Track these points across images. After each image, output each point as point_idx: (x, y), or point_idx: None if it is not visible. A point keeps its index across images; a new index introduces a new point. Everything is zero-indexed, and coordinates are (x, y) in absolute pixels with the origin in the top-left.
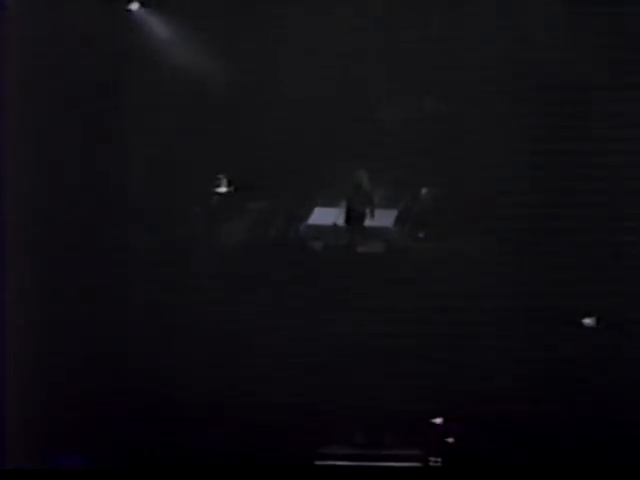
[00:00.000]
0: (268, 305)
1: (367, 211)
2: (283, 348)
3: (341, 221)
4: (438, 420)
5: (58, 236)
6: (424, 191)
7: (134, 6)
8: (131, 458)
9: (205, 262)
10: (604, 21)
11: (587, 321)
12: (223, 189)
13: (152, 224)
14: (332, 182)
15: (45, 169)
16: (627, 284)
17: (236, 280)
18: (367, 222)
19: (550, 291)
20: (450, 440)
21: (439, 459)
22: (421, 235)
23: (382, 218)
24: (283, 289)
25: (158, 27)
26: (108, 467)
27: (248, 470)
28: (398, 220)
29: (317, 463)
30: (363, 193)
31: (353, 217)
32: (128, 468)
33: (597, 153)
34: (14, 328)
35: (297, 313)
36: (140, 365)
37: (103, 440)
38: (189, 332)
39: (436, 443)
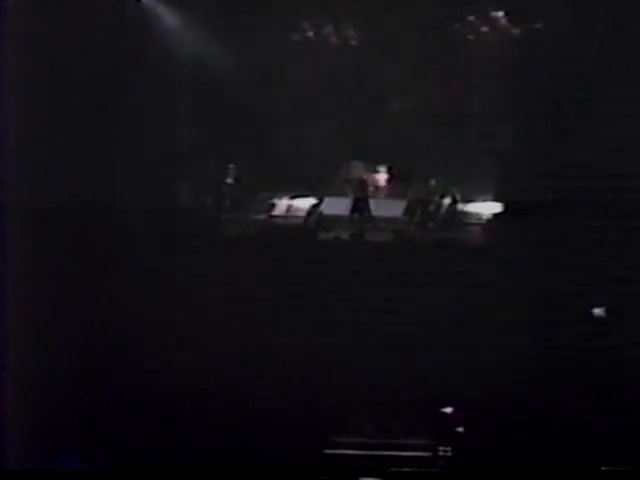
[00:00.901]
0: (277, 294)
1: (369, 202)
2: (292, 338)
3: (346, 211)
4: (448, 410)
5: (62, 235)
6: (433, 182)
7: None
8: (132, 458)
9: (214, 253)
10: None
11: (597, 311)
12: (230, 180)
13: (158, 219)
14: (338, 174)
15: (51, 166)
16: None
17: (248, 271)
18: (372, 212)
19: (560, 280)
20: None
21: (449, 448)
22: (430, 225)
23: (391, 208)
24: (292, 278)
25: (167, 17)
26: (108, 467)
27: (256, 465)
28: (407, 210)
29: (327, 452)
30: (362, 184)
31: (358, 207)
32: (128, 468)
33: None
34: (14, 328)
35: (305, 303)
36: (141, 365)
37: (103, 440)
38: (199, 325)
39: (446, 433)
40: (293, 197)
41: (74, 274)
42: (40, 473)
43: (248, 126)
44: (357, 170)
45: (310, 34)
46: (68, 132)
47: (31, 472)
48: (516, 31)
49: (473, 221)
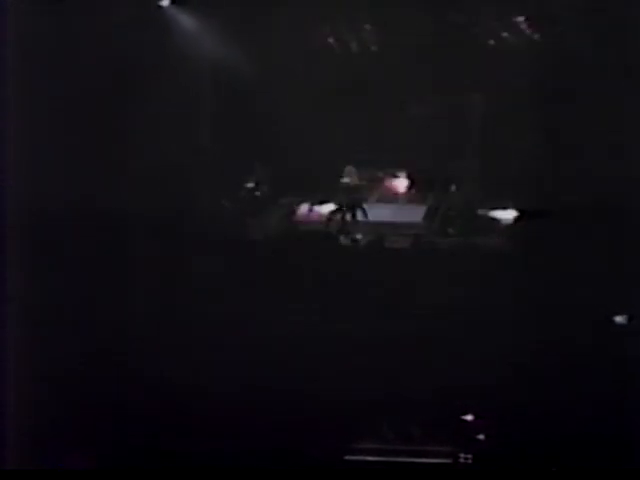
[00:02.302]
0: (295, 299)
1: (362, 207)
2: (310, 341)
3: (349, 216)
4: (469, 417)
5: (70, 236)
6: (453, 188)
7: (165, 2)
8: (132, 459)
9: (233, 255)
10: None
11: (618, 319)
12: (251, 184)
13: (175, 222)
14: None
15: (63, 165)
16: None
17: (263, 274)
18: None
19: (581, 286)
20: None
21: (470, 456)
22: (450, 230)
23: (411, 213)
24: (309, 283)
25: (188, 22)
26: (108, 467)
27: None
28: (427, 216)
29: (347, 458)
30: (355, 189)
31: (356, 212)
32: (128, 468)
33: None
34: (14, 329)
35: (323, 307)
36: (142, 365)
37: (103, 441)
38: (216, 325)
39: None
40: (313, 203)
41: (76, 275)
42: (40, 473)
43: (269, 131)
44: (356, 176)
45: (329, 39)
46: (77, 134)
47: (31, 472)
48: None
49: (494, 227)
